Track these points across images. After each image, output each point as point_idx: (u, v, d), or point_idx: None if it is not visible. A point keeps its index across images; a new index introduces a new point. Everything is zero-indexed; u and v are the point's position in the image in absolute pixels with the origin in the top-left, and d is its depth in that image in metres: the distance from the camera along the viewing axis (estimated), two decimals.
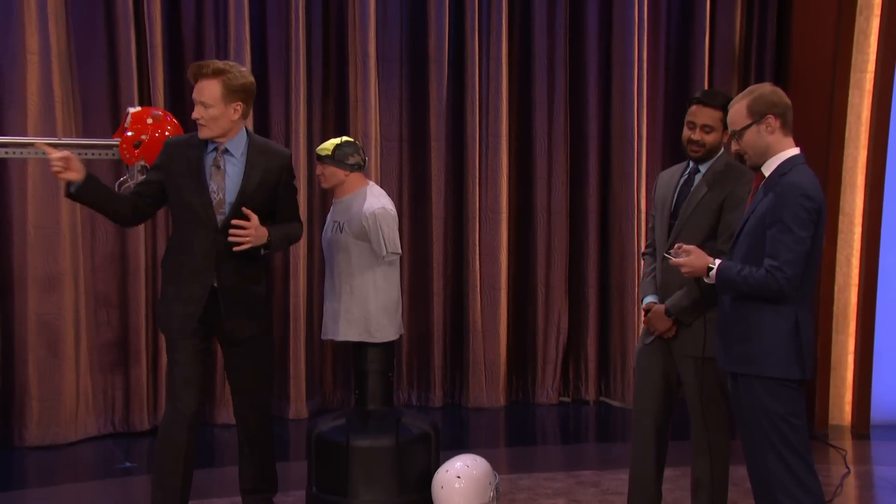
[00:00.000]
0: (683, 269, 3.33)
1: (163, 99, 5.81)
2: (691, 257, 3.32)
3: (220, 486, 3.88)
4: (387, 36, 6.40)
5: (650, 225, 3.98)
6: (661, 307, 3.77)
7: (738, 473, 4.05)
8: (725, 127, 3.66)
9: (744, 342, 3.23)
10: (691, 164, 3.82)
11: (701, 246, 3.60)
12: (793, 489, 3.18)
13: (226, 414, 5.81)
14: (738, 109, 3.28)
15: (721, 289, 3.31)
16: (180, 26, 5.98)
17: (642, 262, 4.06)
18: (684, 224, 3.73)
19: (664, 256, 3.46)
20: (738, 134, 3.28)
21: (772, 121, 3.23)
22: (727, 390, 3.75)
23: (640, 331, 3.98)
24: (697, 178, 3.77)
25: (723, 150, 3.80)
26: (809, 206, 3.14)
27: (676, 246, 3.39)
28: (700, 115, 3.74)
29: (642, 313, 3.89)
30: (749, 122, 3.24)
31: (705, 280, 3.32)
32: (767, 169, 3.27)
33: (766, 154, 3.26)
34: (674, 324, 3.74)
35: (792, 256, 3.11)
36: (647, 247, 4.03)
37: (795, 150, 3.26)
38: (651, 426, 3.86)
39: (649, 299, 3.85)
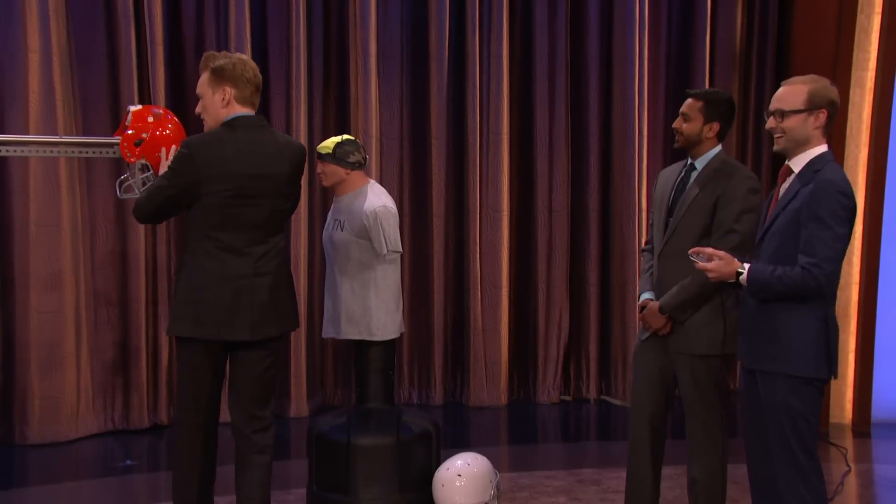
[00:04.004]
0: (710, 275, 3.23)
1: (163, 97, 5.82)
2: (719, 263, 3.21)
3: (218, 486, 3.88)
4: (387, 34, 6.39)
5: (650, 222, 3.99)
6: (656, 304, 3.77)
7: (740, 472, 4.05)
8: (706, 119, 3.72)
9: (772, 340, 3.18)
10: (689, 161, 3.83)
11: (695, 243, 3.60)
12: (799, 489, 3.17)
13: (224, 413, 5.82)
14: (797, 91, 3.18)
15: (753, 292, 3.22)
16: (181, 24, 5.98)
17: (642, 258, 4.06)
18: (679, 222, 3.74)
19: (689, 257, 3.32)
20: (785, 114, 3.18)
21: (822, 117, 3.17)
22: (723, 388, 3.75)
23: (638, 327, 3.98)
24: (693, 175, 3.78)
25: (720, 147, 3.80)
26: (847, 203, 3.09)
27: (698, 249, 3.29)
28: (684, 104, 3.81)
29: (638, 309, 3.90)
30: (803, 108, 3.16)
31: (739, 281, 3.22)
32: (797, 164, 3.20)
33: (803, 145, 3.19)
34: (668, 321, 3.75)
35: (831, 253, 3.06)
36: (646, 243, 4.04)
37: (825, 147, 3.21)
38: (647, 423, 3.86)
39: (645, 296, 3.87)
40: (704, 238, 3.67)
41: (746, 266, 3.19)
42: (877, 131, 5.91)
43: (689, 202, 3.72)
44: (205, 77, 3.59)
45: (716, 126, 3.75)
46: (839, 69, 5.94)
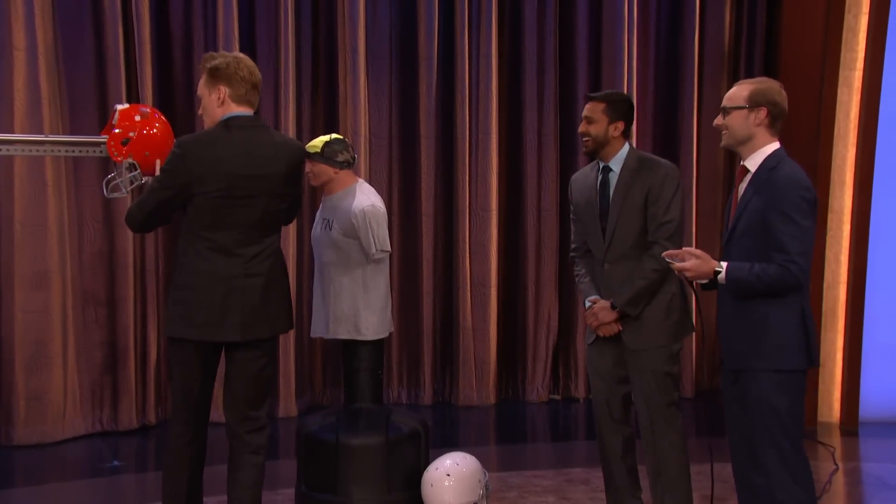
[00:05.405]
0: (688, 274, 3.26)
1: (151, 96, 5.79)
2: (696, 262, 3.23)
3: (207, 485, 3.87)
4: (376, 33, 6.38)
5: (575, 228, 4.00)
6: (607, 301, 3.81)
7: (726, 471, 4.05)
8: (610, 119, 3.78)
9: (754, 338, 3.23)
10: (600, 164, 3.86)
11: (636, 242, 3.71)
12: (790, 485, 3.19)
13: (216, 413, 5.80)
14: (740, 90, 3.32)
15: (732, 289, 3.25)
16: (168, 23, 5.96)
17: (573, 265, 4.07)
18: (616, 226, 3.78)
19: (668, 262, 3.33)
20: (728, 111, 3.31)
21: (762, 114, 3.26)
22: (676, 382, 3.81)
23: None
24: (612, 177, 3.82)
25: (627, 145, 3.84)
26: (809, 196, 3.18)
27: (672, 253, 3.31)
28: (586, 108, 3.84)
29: (585, 310, 3.90)
30: (743, 105, 3.28)
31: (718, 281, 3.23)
32: (752, 163, 3.30)
33: (746, 143, 3.29)
34: (618, 317, 3.78)
35: (803, 247, 3.15)
36: (574, 250, 4.04)
37: (777, 145, 3.31)
38: (611, 419, 3.93)
39: (594, 296, 3.89)
40: (644, 235, 3.75)
41: (724, 264, 3.23)
42: (864, 131, 5.92)
43: (620, 205, 3.76)
44: (203, 78, 3.59)
45: (620, 125, 3.80)
46: (827, 68, 5.96)
